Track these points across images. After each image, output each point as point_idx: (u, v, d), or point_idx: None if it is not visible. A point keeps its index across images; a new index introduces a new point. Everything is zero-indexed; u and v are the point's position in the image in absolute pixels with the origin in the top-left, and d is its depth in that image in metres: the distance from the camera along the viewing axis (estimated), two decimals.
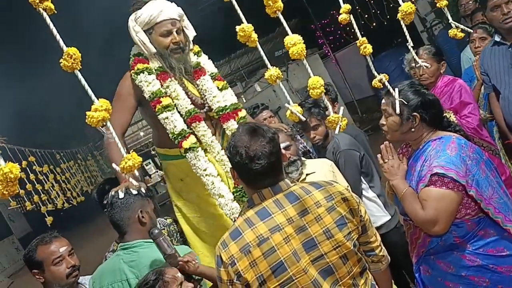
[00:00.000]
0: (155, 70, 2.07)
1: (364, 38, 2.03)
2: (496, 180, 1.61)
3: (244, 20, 1.70)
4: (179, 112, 2.05)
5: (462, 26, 2.32)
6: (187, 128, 2.04)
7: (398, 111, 1.69)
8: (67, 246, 1.81)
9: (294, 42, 1.70)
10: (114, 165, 1.71)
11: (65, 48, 1.46)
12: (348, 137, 2.37)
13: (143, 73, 2.03)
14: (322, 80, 1.72)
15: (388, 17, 8.75)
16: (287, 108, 1.81)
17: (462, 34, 2.35)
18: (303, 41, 1.71)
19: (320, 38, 10.92)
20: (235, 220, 1.81)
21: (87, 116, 1.54)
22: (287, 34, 1.78)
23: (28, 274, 1.81)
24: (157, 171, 12.63)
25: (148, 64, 2.08)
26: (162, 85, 2.06)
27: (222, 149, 2.10)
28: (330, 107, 1.85)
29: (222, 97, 2.18)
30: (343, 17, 2.10)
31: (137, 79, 2.04)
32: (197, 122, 2.05)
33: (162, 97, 2.02)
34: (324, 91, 1.74)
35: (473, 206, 1.54)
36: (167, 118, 2.00)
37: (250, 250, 1.27)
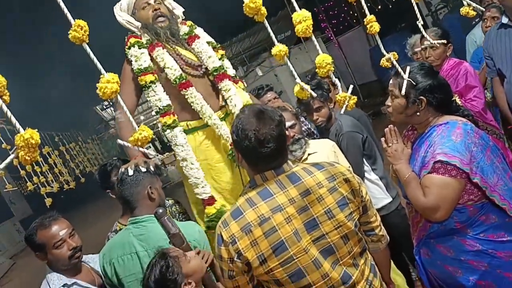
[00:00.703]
0: (145, 43, 2.12)
1: (372, 16, 1.98)
2: (502, 166, 1.58)
3: None
4: (169, 81, 2.07)
5: (474, 4, 2.26)
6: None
7: (403, 92, 1.65)
8: (67, 228, 1.79)
9: (301, 19, 1.66)
10: (124, 143, 1.73)
11: (73, 21, 1.44)
12: (351, 119, 2.36)
13: (134, 46, 2.08)
14: (330, 58, 1.69)
15: (393, 0, 8.62)
16: (297, 84, 1.78)
17: (474, 13, 2.31)
18: (310, 17, 1.66)
19: (323, 22, 10.78)
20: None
21: (99, 89, 1.53)
22: (290, 18, 1.73)
23: (30, 255, 1.82)
24: (157, 155, 12.64)
25: (141, 39, 2.13)
26: (151, 56, 2.09)
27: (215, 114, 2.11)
28: (339, 85, 1.82)
29: (217, 59, 2.20)
30: None
31: (129, 54, 2.09)
32: (185, 89, 2.06)
33: (143, 74, 2.04)
34: (333, 69, 1.71)
35: (476, 192, 1.53)
36: (148, 94, 2.04)
37: (251, 230, 1.28)
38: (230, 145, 2.06)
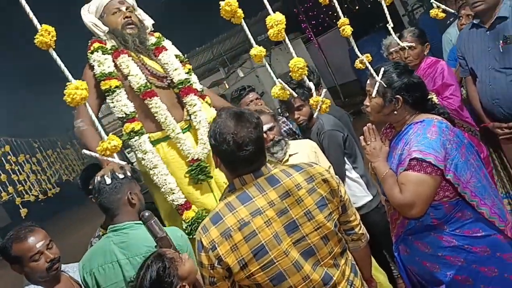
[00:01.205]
0: (110, 49, 2.08)
1: (345, 19, 2.02)
2: (476, 164, 1.63)
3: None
4: (132, 89, 2.03)
5: (443, 7, 2.33)
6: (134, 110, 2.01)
7: (374, 93, 1.70)
8: (44, 240, 1.73)
9: (273, 24, 1.66)
10: (91, 153, 1.67)
11: (39, 26, 1.40)
12: (332, 118, 2.38)
13: (97, 51, 2.03)
14: (304, 61, 1.70)
15: (371, 0, 8.75)
16: (277, 84, 1.78)
17: (443, 15, 2.37)
18: (284, 21, 1.67)
19: (303, 22, 10.86)
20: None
21: (66, 95, 1.48)
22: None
23: (6, 267, 1.76)
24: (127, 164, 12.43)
25: (105, 45, 2.09)
26: (115, 63, 2.05)
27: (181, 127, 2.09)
28: (313, 88, 1.84)
29: (184, 72, 2.19)
30: None
31: (91, 58, 2.03)
32: (149, 98, 2.02)
33: (107, 79, 1.99)
34: (306, 72, 1.72)
35: (451, 189, 1.56)
36: (109, 101, 2.00)
37: (231, 234, 1.27)
38: (190, 161, 2.04)
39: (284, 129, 2.65)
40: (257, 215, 1.29)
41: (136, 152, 2.00)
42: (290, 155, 2.05)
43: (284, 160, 2.05)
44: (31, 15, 1.40)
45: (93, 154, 1.66)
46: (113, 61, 2.05)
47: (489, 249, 1.56)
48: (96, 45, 2.05)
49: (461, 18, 2.87)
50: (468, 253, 1.56)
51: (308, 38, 10.69)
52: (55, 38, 1.44)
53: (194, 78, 2.28)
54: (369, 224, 2.19)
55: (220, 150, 1.30)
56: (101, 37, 2.11)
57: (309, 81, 2.62)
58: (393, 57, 3.08)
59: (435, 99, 2.53)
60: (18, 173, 6.54)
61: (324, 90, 1.97)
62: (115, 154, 1.67)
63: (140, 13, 2.27)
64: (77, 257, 1.83)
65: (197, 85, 2.28)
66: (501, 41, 2.24)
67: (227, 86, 9.26)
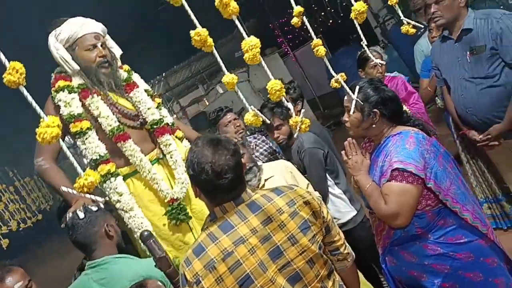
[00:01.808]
0: (77, 87, 1.96)
1: (318, 40, 2.07)
2: (454, 172, 1.68)
3: (197, 23, 1.66)
4: (104, 132, 1.96)
5: (413, 22, 2.42)
6: (107, 152, 1.93)
7: (352, 111, 1.75)
8: (23, 281, 1.67)
9: (248, 48, 1.68)
10: (63, 188, 1.61)
11: (7, 64, 1.36)
12: (312, 135, 2.39)
13: (63, 91, 1.91)
14: (281, 84, 1.72)
15: (342, 15, 8.97)
16: (250, 111, 1.79)
17: (414, 30, 2.46)
18: (259, 45, 1.69)
19: (279, 37, 11.01)
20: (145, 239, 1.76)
21: (38, 134, 1.43)
22: (247, 34, 1.76)
23: None
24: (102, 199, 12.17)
25: (71, 82, 1.96)
26: (83, 103, 1.95)
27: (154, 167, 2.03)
28: (292, 108, 1.85)
29: (157, 110, 2.14)
30: (294, 20, 2.14)
31: (56, 98, 1.92)
32: (122, 142, 1.95)
33: (76, 121, 1.89)
34: (284, 94, 1.74)
35: (433, 197, 1.59)
36: (80, 144, 1.91)
37: (215, 266, 1.24)
38: (169, 201, 1.99)
39: (264, 147, 2.65)
40: (240, 244, 1.27)
41: (111, 194, 1.91)
42: (266, 180, 2.02)
43: (260, 186, 2.01)
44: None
45: (70, 190, 1.60)
46: (81, 100, 1.95)
47: (472, 255, 1.59)
48: (61, 83, 1.93)
49: (431, 30, 2.98)
50: (453, 260, 1.59)
51: (285, 52, 10.83)
52: (24, 75, 1.38)
53: (164, 111, 2.24)
54: (355, 239, 2.20)
55: (199, 180, 1.28)
56: (67, 72, 1.99)
57: (290, 95, 2.66)
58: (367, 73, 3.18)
59: (404, 107, 2.67)
60: None
61: (303, 110, 1.98)
62: None
63: (109, 39, 2.15)
64: (62, 285, 1.78)
65: (168, 119, 2.23)
66: (468, 52, 2.32)
67: (207, 103, 9.25)
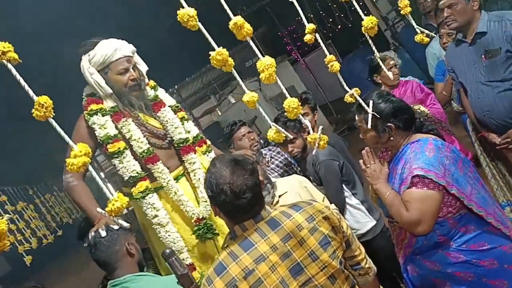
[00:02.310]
0: (109, 110, 2.03)
1: (332, 56, 2.10)
2: (473, 176, 1.66)
3: (213, 43, 1.68)
4: (135, 153, 2.01)
5: (426, 32, 2.45)
6: (142, 170, 1.99)
7: (369, 125, 1.75)
8: None
9: (263, 68, 1.70)
10: (102, 211, 1.68)
11: (35, 98, 1.45)
12: (327, 147, 2.38)
13: (97, 114, 1.99)
14: (298, 102, 1.73)
15: (351, 19, 8.95)
16: (272, 128, 1.79)
17: (427, 39, 2.49)
18: (274, 64, 1.71)
19: (288, 45, 11.05)
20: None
21: (67, 163, 1.53)
22: (257, 45, 1.78)
23: None
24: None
25: (102, 104, 2.03)
26: (116, 126, 2.01)
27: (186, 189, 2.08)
28: (309, 125, 1.86)
29: (183, 128, 2.19)
30: (307, 37, 2.17)
31: (90, 121, 1.99)
32: (152, 164, 2.00)
33: (113, 142, 1.96)
34: (301, 111, 1.75)
35: (454, 204, 1.58)
36: (118, 163, 1.97)
37: (236, 285, 1.24)
38: (195, 221, 2.02)
39: (280, 159, 2.65)
40: (261, 262, 1.27)
41: (148, 210, 1.97)
42: (280, 196, 2.01)
43: (274, 203, 2.00)
44: (27, 87, 1.43)
45: (103, 212, 1.68)
46: (113, 122, 2.02)
47: (496, 262, 1.57)
48: (94, 106, 2.00)
49: (442, 37, 2.96)
50: (477, 267, 1.56)
51: (295, 59, 10.86)
52: (51, 108, 1.46)
53: (189, 124, 2.29)
54: (375, 249, 2.18)
55: (218, 200, 1.29)
56: (98, 95, 2.05)
57: (309, 105, 2.67)
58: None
59: (422, 108, 2.67)
60: (17, 222, 6.43)
61: (321, 127, 1.99)
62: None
63: (137, 59, 2.19)
64: None
65: (193, 132, 2.28)
66: (482, 56, 2.29)
67: (220, 113, 9.32)
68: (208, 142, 2.34)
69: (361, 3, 7.86)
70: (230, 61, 1.71)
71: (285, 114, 2.36)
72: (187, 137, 2.16)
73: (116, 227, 1.69)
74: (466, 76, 2.45)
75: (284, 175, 2.54)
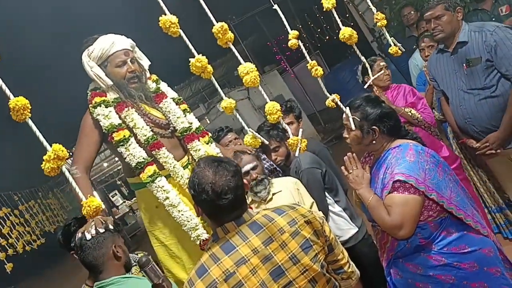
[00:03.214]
0: (112, 102, 2.08)
1: (314, 62, 2.15)
2: (453, 179, 1.70)
3: (195, 52, 1.71)
4: (139, 141, 2.05)
5: (399, 44, 2.56)
6: (148, 156, 2.04)
7: (353, 127, 1.78)
8: None
9: (247, 71, 1.74)
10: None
11: (12, 97, 1.45)
12: (310, 155, 2.39)
13: (100, 106, 2.03)
14: (278, 105, 1.76)
15: (338, 31, 9.06)
16: (249, 133, 1.82)
17: (400, 52, 2.58)
18: (255, 69, 1.74)
19: (277, 54, 11.16)
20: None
21: (43, 167, 1.56)
22: (246, 54, 1.83)
23: None
24: (124, 202, 12.24)
25: (106, 97, 2.08)
26: (119, 116, 2.06)
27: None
28: (289, 130, 1.88)
29: (185, 118, 2.23)
30: (292, 42, 2.21)
31: (95, 113, 2.04)
32: (157, 150, 2.05)
33: (118, 130, 2.01)
34: (282, 115, 1.77)
35: (435, 208, 1.61)
36: (124, 151, 2.01)
37: (217, 287, 1.24)
38: None
39: (266, 165, 2.65)
40: (241, 264, 1.27)
41: (159, 193, 2.01)
42: (274, 194, 2.05)
43: (268, 199, 2.06)
44: (4, 86, 1.44)
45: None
46: (117, 113, 2.06)
47: (477, 264, 1.59)
48: (98, 99, 2.05)
49: (423, 50, 3.04)
50: (458, 270, 1.59)
51: (284, 69, 10.96)
52: (28, 109, 1.48)
53: (190, 116, 2.33)
54: (358, 256, 2.18)
55: (200, 200, 1.30)
56: (102, 88, 2.11)
57: (294, 113, 2.70)
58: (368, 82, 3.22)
59: (413, 111, 2.72)
60: (1, 227, 6.31)
61: (301, 130, 2.02)
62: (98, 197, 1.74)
63: (137, 51, 2.25)
64: None
65: (195, 123, 2.32)
66: (464, 64, 2.35)
67: (209, 121, 9.31)
68: (210, 134, 2.38)
69: (347, 15, 8.01)
70: (209, 68, 1.75)
71: (268, 122, 2.39)
72: (190, 126, 2.20)
73: (102, 230, 1.68)
74: (448, 84, 2.51)
75: None
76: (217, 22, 1.90)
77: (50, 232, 9.07)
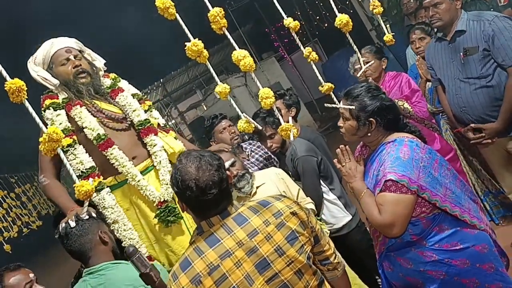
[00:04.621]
0: (62, 102, 2.03)
1: (309, 48, 2.13)
2: (451, 174, 1.67)
3: (190, 35, 1.70)
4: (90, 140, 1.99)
5: (392, 33, 2.58)
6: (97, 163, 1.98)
7: (348, 114, 1.74)
8: (34, 274, 1.78)
9: (243, 56, 1.73)
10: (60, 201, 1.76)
11: (8, 78, 1.45)
12: (305, 142, 2.38)
13: (49, 109, 1.99)
14: (272, 92, 1.76)
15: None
16: (243, 118, 1.82)
17: (393, 41, 2.59)
18: (248, 55, 1.74)
19: (275, 42, 11.08)
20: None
21: (41, 147, 1.59)
22: (244, 40, 1.83)
23: None
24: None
25: (57, 99, 2.04)
26: (69, 118, 2.01)
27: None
28: (280, 118, 1.88)
29: (145, 112, 2.17)
30: (294, 23, 2.20)
31: (45, 116, 2.00)
32: (105, 150, 1.98)
33: (64, 137, 1.91)
34: (274, 101, 1.77)
35: (428, 204, 1.58)
36: (68, 158, 1.93)
37: (201, 280, 1.23)
38: (157, 205, 2.01)
39: (260, 153, 2.64)
40: (226, 258, 1.26)
41: (99, 207, 1.94)
42: (257, 187, 2.02)
43: (252, 193, 2.02)
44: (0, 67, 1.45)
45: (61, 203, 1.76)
46: (67, 114, 2.01)
47: (468, 261, 1.58)
48: (47, 102, 2.01)
49: (414, 42, 3.03)
50: (449, 266, 1.57)
51: (282, 56, 10.89)
52: (25, 90, 1.51)
53: (155, 113, 2.28)
54: (352, 243, 2.21)
55: (184, 196, 1.28)
56: (53, 90, 2.06)
57: (286, 101, 2.70)
58: (357, 73, 3.21)
59: (406, 105, 2.71)
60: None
61: (290, 118, 2.02)
62: None
63: (90, 53, 2.22)
64: None
65: (160, 120, 2.27)
66: (461, 53, 2.35)
67: (205, 108, 9.29)
68: (173, 133, 2.30)
69: (347, 2, 7.94)
70: (205, 52, 1.73)
71: (262, 110, 2.38)
72: (147, 119, 2.13)
73: (86, 217, 1.69)
74: (445, 73, 2.50)
75: (264, 168, 2.55)
76: (215, 7, 1.88)
77: (48, 214, 9.12)
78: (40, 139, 1.57)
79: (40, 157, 1.99)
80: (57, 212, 2.29)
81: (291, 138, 1.85)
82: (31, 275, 1.76)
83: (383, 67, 3.01)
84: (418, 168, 1.57)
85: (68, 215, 1.73)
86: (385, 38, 2.58)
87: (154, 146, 2.07)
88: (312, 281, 1.34)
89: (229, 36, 1.80)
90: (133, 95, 2.22)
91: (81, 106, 2.02)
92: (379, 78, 2.99)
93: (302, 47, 2.19)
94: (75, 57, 2.09)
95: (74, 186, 1.73)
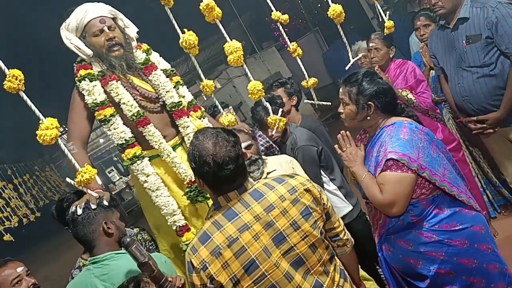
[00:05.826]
0: (97, 75, 2.00)
1: (295, 44, 2.35)
2: (446, 156, 1.73)
3: (179, 31, 1.70)
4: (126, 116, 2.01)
5: (387, 20, 2.56)
6: (133, 135, 2.00)
7: (347, 99, 1.78)
8: (23, 267, 1.77)
9: (231, 50, 1.73)
10: (71, 181, 1.73)
11: (7, 71, 1.45)
12: (306, 132, 2.38)
13: (85, 80, 1.96)
14: (261, 85, 1.78)
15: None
16: (227, 112, 1.84)
17: (393, 28, 2.67)
18: (241, 48, 1.75)
19: (275, 30, 10.97)
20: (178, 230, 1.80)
21: (38, 135, 1.57)
22: (242, 28, 1.84)
23: None
24: (121, 178, 12.27)
25: (92, 69, 2.01)
26: (105, 90, 1.99)
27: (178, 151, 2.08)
28: (270, 109, 1.90)
29: (176, 92, 2.17)
30: (285, 17, 2.39)
31: (80, 87, 1.98)
32: (143, 127, 2.00)
33: (100, 108, 1.95)
34: (264, 94, 1.78)
35: (427, 185, 1.63)
36: (107, 130, 1.98)
37: (221, 252, 1.28)
38: (188, 183, 2.03)
39: (262, 142, 2.64)
40: (244, 231, 1.30)
41: (138, 175, 1.98)
42: (268, 173, 2.04)
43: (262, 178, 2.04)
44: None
45: (72, 182, 1.72)
46: (102, 87, 1.99)
47: (467, 241, 1.63)
48: (82, 72, 1.97)
49: (418, 29, 2.99)
50: (448, 246, 1.62)
51: (282, 45, 10.80)
52: (23, 82, 1.48)
53: (183, 89, 2.26)
54: (352, 233, 2.18)
55: (202, 172, 1.31)
56: (85, 60, 2.03)
57: (287, 89, 2.69)
58: (361, 61, 3.17)
59: (410, 95, 2.69)
60: None
61: (280, 110, 2.09)
62: (96, 176, 1.76)
63: (123, 18, 2.15)
64: (63, 282, 1.84)
65: (188, 97, 2.26)
66: (463, 41, 2.32)
67: (205, 98, 9.24)
68: (203, 109, 2.32)
69: None
70: (196, 47, 1.72)
71: (266, 97, 2.36)
72: (180, 101, 2.13)
73: (93, 206, 1.68)
74: (447, 61, 2.47)
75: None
76: None
77: (47, 205, 9.15)
78: (40, 128, 1.57)
79: (69, 122, 2.00)
80: (60, 202, 2.29)
81: (274, 131, 1.84)
82: (20, 269, 1.76)
83: (391, 55, 2.94)
84: (418, 148, 1.62)
85: (80, 200, 1.73)
86: (386, 24, 2.56)
87: (187, 128, 2.10)
88: (324, 255, 1.40)
89: (221, 28, 1.79)
90: (163, 70, 2.19)
91: (117, 81, 2.00)
92: (385, 67, 2.92)
93: (288, 42, 2.22)
94: (109, 28, 2.02)
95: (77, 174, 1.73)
